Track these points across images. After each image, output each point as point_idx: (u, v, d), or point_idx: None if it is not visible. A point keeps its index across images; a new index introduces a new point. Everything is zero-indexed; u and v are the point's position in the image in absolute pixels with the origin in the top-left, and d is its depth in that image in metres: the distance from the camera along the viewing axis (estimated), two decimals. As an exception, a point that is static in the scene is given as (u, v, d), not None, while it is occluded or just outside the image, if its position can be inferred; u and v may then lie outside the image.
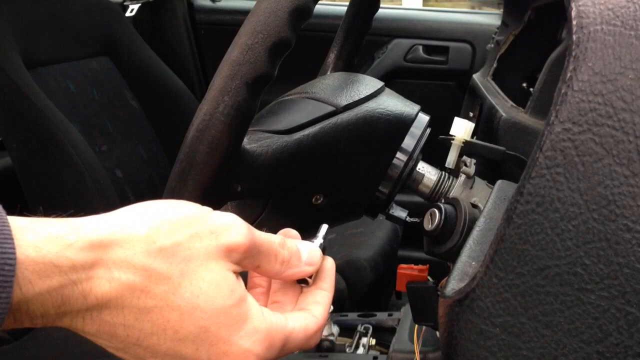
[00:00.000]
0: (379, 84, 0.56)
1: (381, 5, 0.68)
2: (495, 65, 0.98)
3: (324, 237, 0.41)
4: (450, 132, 0.56)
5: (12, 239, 0.27)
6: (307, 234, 0.53)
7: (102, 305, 0.30)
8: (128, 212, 0.32)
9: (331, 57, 0.68)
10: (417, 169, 0.56)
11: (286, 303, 0.39)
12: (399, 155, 0.53)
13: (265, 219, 0.51)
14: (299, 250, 0.38)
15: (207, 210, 0.34)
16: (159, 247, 0.31)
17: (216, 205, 0.47)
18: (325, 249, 0.40)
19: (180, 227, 0.32)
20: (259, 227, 0.51)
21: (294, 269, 0.37)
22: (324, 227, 0.42)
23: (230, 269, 0.33)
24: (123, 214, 0.32)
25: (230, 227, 0.33)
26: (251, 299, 0.34)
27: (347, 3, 0.67)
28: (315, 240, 0.40)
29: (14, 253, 0.27)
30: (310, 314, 0.37)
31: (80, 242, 0.29)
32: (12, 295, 0.27)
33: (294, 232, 0.41)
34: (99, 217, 0.31)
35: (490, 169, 0.70)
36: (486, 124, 0.83)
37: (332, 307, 0.67)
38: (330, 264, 0.40)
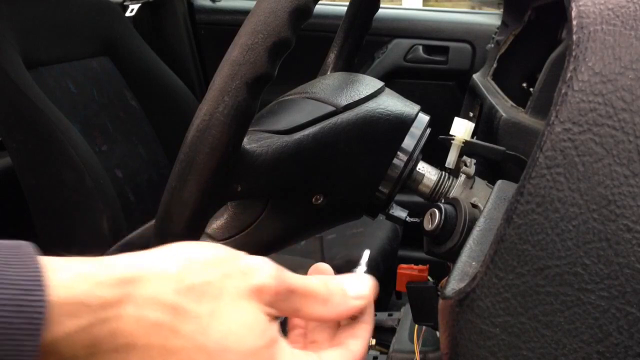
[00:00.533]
0: (379, 84, 0.56)
1: (381, 5, 0.68)
2: (495, 65, 0.98)
3: (367, 263, 0.39)
4: (450, 132, 0.56)
5: (43, 286, 0.27)
6: (307, 234, 0.53)
7: (130, 345, 0.29)
8: (160, 251, 0.32)
9: (331, 57, 0.68)
10: (417, 169, 0.56)
11: (323, 341, 0.37)
12: (399, 155, 0.53)
13: (265, 219, 0.51)
14: (343, 286, 0.35)
15: (238, 252, 0.33)
16: (188, 285, 0.30)
17: (216, 205, 0.47)
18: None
19: (211, 267, 0.31)
20: (259, 227, 0.51)
21: (340, 307, 0.34)
22: (367, 253, 0.40)
23: (262, 310, 0.31)
24: (155, 253, 0.31)
25: (259, 268, 0.32)
26: (283, 342, 0.32)
27: (347, 3, 0.67)
28: (359, 268, 0.38)
29: (44, 301, 0.26)
30: (347, 349, 0.35)
31: (110, 279, 0.29)
32: (40, 342, 0.26)
33: (325, 267, 0.38)
34: (131, 255, 0.31)
35: (490, 169, 0.70)
36: (486, 124, 0.83)
37: None
38: (368, 288, 0.36)
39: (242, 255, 0.33)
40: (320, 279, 0.35)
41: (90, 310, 0.28)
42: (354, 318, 0.36)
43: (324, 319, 0.35)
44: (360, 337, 0.36)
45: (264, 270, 0.32)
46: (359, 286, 0.36)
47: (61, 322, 0.27)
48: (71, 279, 0.28)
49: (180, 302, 0.30)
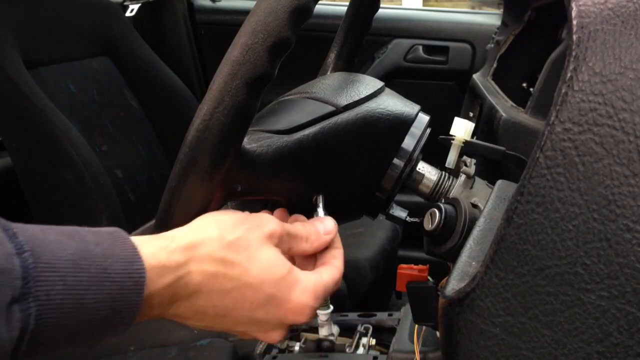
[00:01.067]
0: (379, 84, 0.56)
1: (381, 5, 0.68)
2: (495, 65, 0.98)
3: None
4: (450, 132, 0.56)
5: (140, 258, 0.37)
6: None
7: (197, 291, 0.40)
8: (201, 221, 0.42)
9: (331, 57, 0.68)
10: (417, 169, 0.56)
11: (309, 265, 0.48)
12: (399, 155, 0.53)
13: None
14: (315, 227, 0.47)
15: (247, 213, 0.45)
16: (228, 242, 0.41)
17: (216, 205, 0.47)
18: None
19: (238, 226, 0.42)
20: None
21: (317, 242, 0.47)
22: (321, 198, 0.50)
23: (276, 249, 0.43)
24: (198, 223, 0.42)
25: (268, 220, 0.43)
26: (296, 268, 0.44)
27: (347, 3, 0.67)
28: (319, 211, 0.49)
29: (144, 269, 0.36)
30: (333, 266, 0.46)
31: (178, 248, 0.39)
32: (143, 298, 0.36)
33: (301, 217, 0.50)
34: (183, 228, 0.42)
35: (490, 169, 0.70)
36: (486, 124, 0.83)
37: (332, 307, 0.67)
38: (332, 225, 0.48)
39: (253, 214, 0.44)
40: (300, 224, 0.47)
41: (171, 271, 0.38)
42: (326, 249, 0.48)
43: (307, 253, 0.47)
44: (338, 257, 0.47)
45: (270, 221, 0.44)
46: (326, 225, 0.48)
47: (154, 282, 0.37)
48: (154, 251, 0.38)
49: (226, 255, 0.40)
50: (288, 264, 0.43)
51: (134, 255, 0.36)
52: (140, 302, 0.36)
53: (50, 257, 0.33)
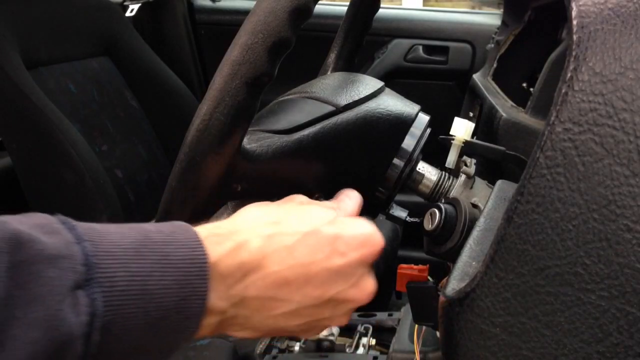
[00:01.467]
0: (379, 84, 0.56)
1: (381, 5, 0.68)
2: (495, 65, 0.98)
3: None
4: (450, 132, 0.56)
5: (202, 244, 0.36)
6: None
7: (263, 256, 0.39)
8: (240, 215, 0.42)
9: (331, 57, 0.68)
10: (417, 169, 0.56)
11: None
12: (399, 155, 0.53)
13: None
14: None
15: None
16: (272, 209, 0.42)
17: (216, 205, 0.47)
18: None
19: (272, 203, 0.44)
20: None
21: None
22: (321, 198, 0.50)
23: (315, 204, 0.45)
24: (236, 217, 0.42)
25: (292, 196, 0.46)
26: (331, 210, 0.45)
27: (347, 3, 0.67)
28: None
29: (206, 254, 0.36)
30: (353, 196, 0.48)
31: (226, 223, 0.40)
32: (208, 282, 0.35)
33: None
34: (222, 222, 0.41)
35: (490, 169, 0.70)
36: (486, 124, 0.83)
37: None
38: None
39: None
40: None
41: (226, 237, 0.38)
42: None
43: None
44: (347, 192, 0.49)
45: (294, 195, 0.46)
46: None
47: (214, 251, 0.37)
48: (211, 238, 0.37)
49: (274, 217, 0.41)
50: (331, 209, 0.44)
51: (195, 241, 0.36)
52: (205, 288, 0.35)
53: (109, 245, 0.32)
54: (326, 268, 0.41)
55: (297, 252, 0.40)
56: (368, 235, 0.43)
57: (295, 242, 0.40)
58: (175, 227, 0.37)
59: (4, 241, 0.29)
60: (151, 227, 0.36)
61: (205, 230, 0.38)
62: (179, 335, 0.35)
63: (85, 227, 0.33)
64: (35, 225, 0.31)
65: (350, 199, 0.48)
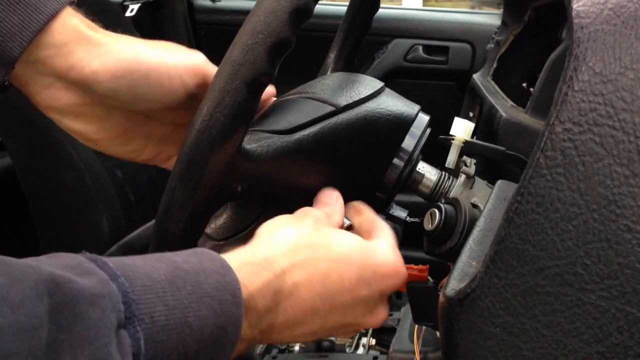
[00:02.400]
0: (379, 84, 0.56)
1: (381, 5, 0.68)
2: (495, 65, 0.98)
3: None
4: (450, 132, 0.56)
5: (232, 270, 0.36)
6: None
7: (297, 284, 0.39)
8: (261, 230, 0.44)
9: (331, 57, 0.68)
10: (417, 169, 0.56)
11: None
12: (399, 155, 0.53)
13: (265, 219, 0.51)
14: (323, 198, 0.49)
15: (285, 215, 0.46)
16: (301, 232, 0.42)
17: (216, 205, 0.47)
18: None
19: (295, 220, 0.44)
20: (259, 227, 0.51)
21: (338, 209, 0.49)
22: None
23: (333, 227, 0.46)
24: (260, 232, 0.43)
25: (305, 210, 0.46)
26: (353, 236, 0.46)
27: (347, 3, 0.67)
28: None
29: (237, 280, 0.36)
30: (381, 227, 0.49)
31: (260, 249, 0.40)
32: (243, 305, 0.35)
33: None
34: (247, 246, 0.41)
35: (490, 169, 0.70)
36: (486, 124, 0.83)
37: None
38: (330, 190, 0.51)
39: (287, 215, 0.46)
40: (311, 208, 0.48)
41: (264, 268, 0.38)
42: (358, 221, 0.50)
43: (339, 223, 0.48)
44: (375, 219, 0.50)
45: (306, 210, 0.46)
46: (326, 193, 0.49)
47: (251, 282, 0.37)
48: (240, 259, 0.38)
49: (307, 241, 0.41)
50: (355, 235, 0.45)
51: (224, 267, 0.36)
52: (240, 315, 0.35)
53: (144, 279, 0.32)
54: (352, 298, 0.42)
55: (328, 280, 0.40)
56: (393, 266, 0.44)
57: (327, 269, 0.41)
58: (200, 255, 0.36)
59: (41, 283, 0.27)
60: (177, 257, 0.35)
61: (238, 259, 0.38)
62: None
63: (116, 263, 0.32)
64: (65, 267, 0.30)
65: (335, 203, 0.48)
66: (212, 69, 0.48)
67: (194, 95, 0.48)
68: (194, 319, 0.32)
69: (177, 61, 0.46)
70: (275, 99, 0.55)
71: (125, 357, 0.29)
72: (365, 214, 0.50)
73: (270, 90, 0.51)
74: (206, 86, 0.47)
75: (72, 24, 0.43)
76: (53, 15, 0.42)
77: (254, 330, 0.38)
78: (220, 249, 0.51)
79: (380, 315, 0.45)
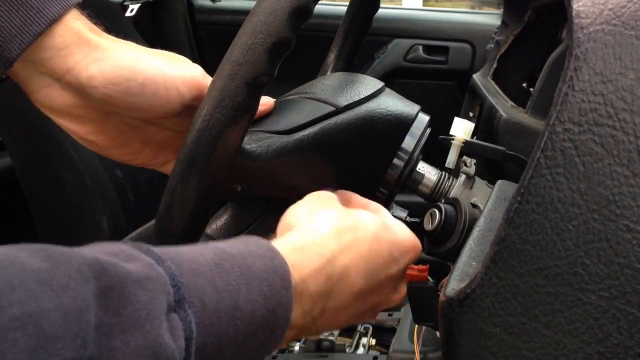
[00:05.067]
0: (379, 84, 0.56)
1: (381, 5, 0.68)
2: (495, 65, 0.98)
3: None
4: (450, 132, 0.56)
5: (280, 254, 0.36)
6: None
7: (347, 267, 0.39)
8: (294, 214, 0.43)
9: (331, 57, 0.68)
10: (417, 169, 0.56)
11: None
12: (399, 155, 0.53)
13: (265, 219, 0.51)
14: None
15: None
16: (337, 214, 0.42)
17: (216, 205, 0.47)
18: None
19: (326, 203, 0.44)
20: (259, 227, 0.51)
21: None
22: None
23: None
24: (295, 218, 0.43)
25: (327, 194, 0.46)
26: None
27: (347, 3, 0.67)
28: None
29: (286, 263, 0.35)
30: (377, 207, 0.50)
31: (306, 234, 0.40)
32: (292, 288, 0.35)
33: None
34: (296, 232, 0.41)
35: (490, 169, 0.70)
36: (486, 124, 0.83)
37: None
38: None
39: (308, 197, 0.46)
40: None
41: (315, 252, 0.38)
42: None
43: None
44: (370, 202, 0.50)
45: (326, 193, 0.46)
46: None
47: (303, 266, 0.37)
48: (297, 253, 0.38)
49: (346, 223, 0.42)
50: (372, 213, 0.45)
51: (271, 251, 0.35)
52: (290, 299, 0.34)
53: (191, 263, 0.31)
54: (385, 275, 0.43)
55: (369, 260, 0.41)
56: (413, 240, 0.45)
57: (367, 249, 0.41)
58: (246, 241, 0.36)
59: (86, 267, 0.26)
60: (222, 244, 0.35)
61: (288, 243, 0.38)
62: (264, 349, 0.34)
63: (160, 249, 0.31)
64: (109, 253, 0.29)
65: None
66: (210, 82, 0.48)
67: (191, 106, 0.48)
68: (244, 302, 0.32)
69: (174, 72, 0.46)
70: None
71: (177, 340, 0.28)
72: (354, 199, 0.50)
73: (268, 101, 0.51)
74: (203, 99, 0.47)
75: (74, 27, 0.43)
76: (55, 19, 0.42)
77: (307, 317, 0.37)
78: None
79: (402, 291, 0.46)
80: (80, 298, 0.25)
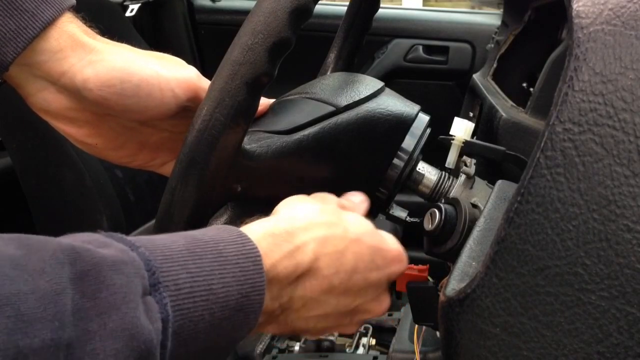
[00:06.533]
0: (379, 84, 0.56)
1: (381, 5, 0.68)
2: (495, 65, 0.98)
3: None
4: (450, 132, 0.56)
5: (251, 240, 0.36)
6: None
7: (317, 258, 0.39)
8: (283, 206, 0.43)
9: (331, 57, 0.68)
10: (417, 169, 0.56)
11: None
12: (399, 155, 0.53)
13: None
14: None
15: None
16: (320, 209, 0.42)
17: (216, 205, 0.47)
18: None
19: (315, 201, 0.44)
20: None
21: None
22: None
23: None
24: (282, 208, 0.43)
25: (324, 194, 0.46)
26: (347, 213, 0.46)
27: (347, 3, 0.67)
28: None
29: (257, 249, 0.36)
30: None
31: (281, 221, 0.40)
32: (264, 277, 0.35)
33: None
34: (265, 219, 0.41)
35: (490, 169, 0.70)
36: (486, 124, 0.83)
37: None
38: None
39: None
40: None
41: (284, 239, 0.38)
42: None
43: None
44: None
45: (325, 194, 0.46)
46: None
47: (272, 251, 0.37)
48: (260, 230, 0.38)
49: (326, 218, 0.42)
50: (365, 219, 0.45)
51: (242, 237, 0.36)
52: (263, 283, 0.35)
53: (164, 249, 0.32)
54: (364, 279, 0.42)
55: (345, 258, 0.41)
56: (398, 251, 0.45)
57: (344, 247, 0.41)
58: (216, 228, 0.36)
59: (61, 252, 0.27)
60: (193, 232, 0.35)
61: (260, 230, 0.38)
62: (238, 334, 0.34)
63: (133, 238, 0.32)
64: (83, 241, 0.30)
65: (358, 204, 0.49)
66: (205, 84, 0.48)
67: (186, 107, 0.48)
68: (218, 286, 0.32)
69: (169, 74, 0.47)
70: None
71: (153, 322, 0.29)
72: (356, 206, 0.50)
73: (265, 101, 0.51)
74: (198, 100, 0.47)
75: (68, 31, 0.44)
76: (49, 23, 0.42)
77: (275, 303, 0.38)
78: None
79: (384, 303, 0.45)
80: (55, 281, 0.25)
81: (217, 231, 0.36)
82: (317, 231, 0.40)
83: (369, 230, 0.44)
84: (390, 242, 0.45)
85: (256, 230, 0.38)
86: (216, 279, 0.32)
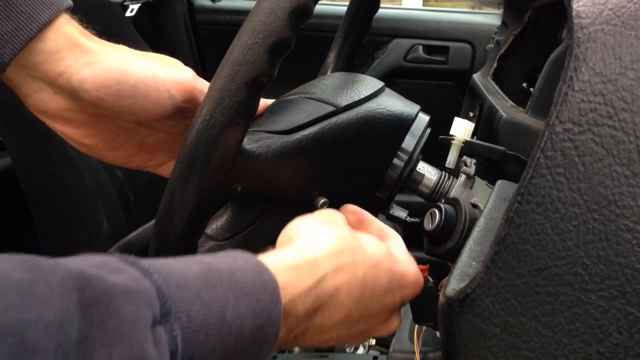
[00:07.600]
0: (379, 84, 0.56)
1: (381, 5, 0.68)
2: (495, 65, 0.98)
3: None
4: (450, 132, 0.56)
5: (269, 270, 0.35)
6: None
7: (338, 287, 0.39)
8: (294, 232, 0.42)
9: (331, 57, 0.68)
10: (417, 169, 0.56)
11: None
12: (399, 155, 0.53)
13: (266, 218, 0.51)
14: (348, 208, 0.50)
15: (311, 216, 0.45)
16: (339, 235, 0.41)
17: (216, 205, 0.47)
18: None
19: (328, 224, 0.43)
20: (259, 227, 0.51)
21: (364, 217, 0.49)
22: (321, 198, 0.51)
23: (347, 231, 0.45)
24: (296, 235, 0.42)
25: (335, 214, 0.45)
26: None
27: (347, 3, 0.67)
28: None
29: (275, 279, 0.35)
30: (392, 234, 0.49)
31: (302, 251, 0.39)
32: (282, 309, 0.34)
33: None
34: (291, 247, 0.40)
35: (490, 169, 0.70)
36: (486, 124, 0.83)
37: None
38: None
39: (317, 213, 0.45)
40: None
41: (306, 271, 0.37)
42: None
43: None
44: (384, 227, 0.49)
45: (334, 213, 0.45)
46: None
47: (293, 286, 0.36)
48: (289, 272, 0.37)
49: (345, 244, 0.41)
50: (380, 240, 0.44)
51: (260, 266, 0.35)
52: (280, 315, 0.34)
53: (179, 277, 0.30)
54: (379, 303, 0.42)
55: (364, 286, 0.40)
56: (415, 275, 0.45)
57: (364, 274, 0.40)
58: (233, 256, 0.35)
59: (69, 279, 0.26)
60: (209, 258, 0.34)
61: (280, 261, 0.37)
62: None
63: (148, 261, 0.31)
64: (95, 265, 0.28)
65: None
66: (201, 85, 0.48)
67: (183, 108, 0.48)
68: (233, 318, 0.31)
69: (165, 75, 0.47)
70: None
71: (162, 355, 0.28)
72: (367, 219, 0.49)
73: (263, 102, 0.51)
74: (195, 102, 0.48)
75: (65, 32, 0.44)
76: (46, 24, 0.42)
77: (290, 335, 0.37)
78: (220, 249, 0.51)
79: (393, 324, 0.45)
80: (61, 311, 0.24)
81: (233, 259, 0.35)
82: (339, 259, 0.39)
83: (386, 253, 0.43)
84: (405, 264, 0.44)
85: (277, 261, 0.37)
86: (230, 310, 0.31)
